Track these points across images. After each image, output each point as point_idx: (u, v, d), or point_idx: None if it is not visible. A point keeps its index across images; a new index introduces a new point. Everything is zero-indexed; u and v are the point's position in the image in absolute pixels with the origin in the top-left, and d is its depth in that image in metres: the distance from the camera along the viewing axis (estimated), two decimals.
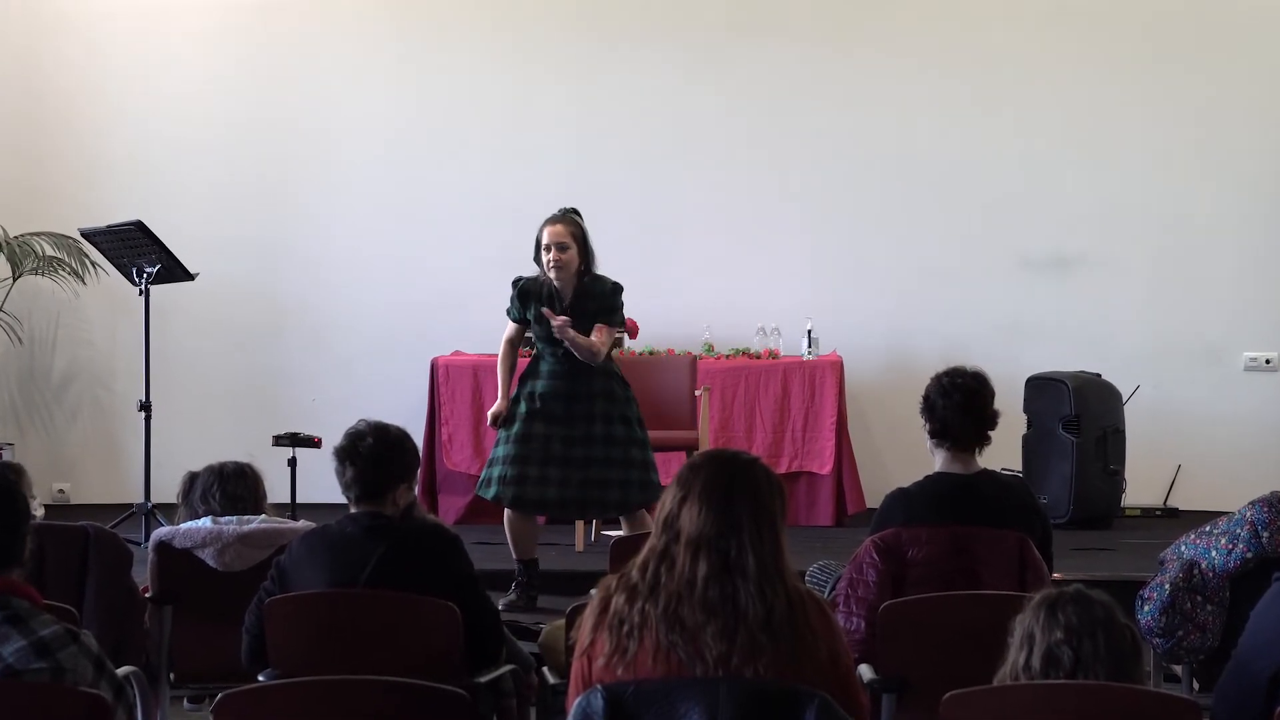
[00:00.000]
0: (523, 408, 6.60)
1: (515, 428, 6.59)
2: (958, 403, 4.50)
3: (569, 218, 6.60)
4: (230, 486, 4.90)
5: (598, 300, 6.57)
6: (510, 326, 6.75)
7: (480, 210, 9.11)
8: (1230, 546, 4.45)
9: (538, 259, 6.59)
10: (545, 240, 6.53)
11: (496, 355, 8.49)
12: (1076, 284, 9.07)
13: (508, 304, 6.69)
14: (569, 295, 6.57)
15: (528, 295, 6.61)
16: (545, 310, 6.50)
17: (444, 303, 9.00)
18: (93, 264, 8.62)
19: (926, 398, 4.57)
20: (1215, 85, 9.00)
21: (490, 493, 6.62)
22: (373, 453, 4.17)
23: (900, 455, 8.14)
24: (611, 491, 6.55)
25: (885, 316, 9.05)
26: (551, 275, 6.54)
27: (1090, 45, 9.04)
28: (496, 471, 6.59)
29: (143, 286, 7.63)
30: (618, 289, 6.63)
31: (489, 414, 6.78)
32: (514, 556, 6.68)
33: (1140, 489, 8.69)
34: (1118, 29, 9.06)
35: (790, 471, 8.30)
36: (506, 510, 6.66)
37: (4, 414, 9.12)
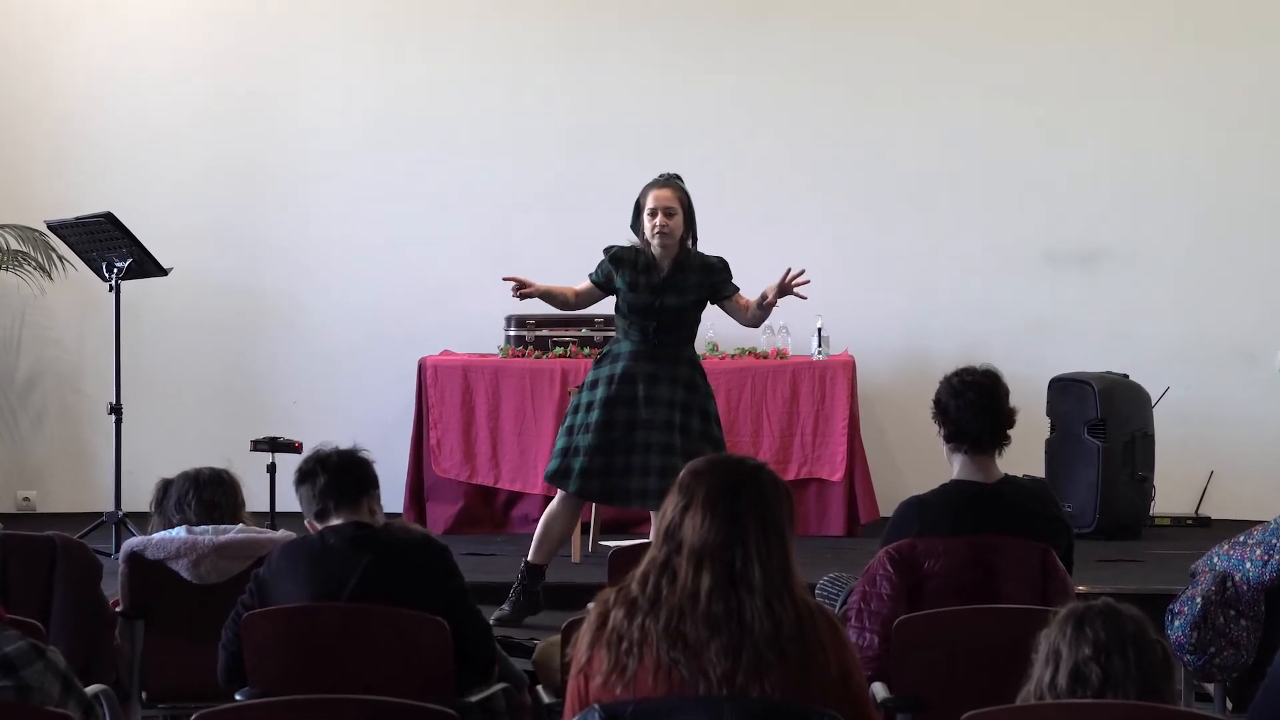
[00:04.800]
0: (600, 393, 6.53)
1: (595, 415, 6.50)
2: (971, 401, 4.51)
3: (675, 183, 6.55)
4: (206, 494, 4.90)
5: (702, 274, 6.54)
6: (585, 282, 6.66)
7: (470, 201, 9.11)
8: (1266, 558, 4.45)
9: (636, 226, 6.56)
10: (650, 204, 6.49)
11: (488, 355, 8.57)
12: (1104, 279, 9.07)
13: (592, 269, 6.61)
14: (666, 267, 6.53)
15: (620, 261, 6.54)
16: None
17: (432, 299, 9.00)
18: (60, 258, 8.62)
19: (938, 401, 4.58)
20: (1253, 68, 9.00)
21: (572, 485, 6.51)
22: (341, 459, 4.28)
23: (916, 461, 8.12)
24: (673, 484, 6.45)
25: (900, 314, 9.05)
26: (655, 243, 6.48)
27: (1120, 24, 9.03)
28: (579, 463, 6.49)
29: (113, 282, 7.63)
30: (726, 262, 6.62)
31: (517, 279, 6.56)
32: (529, 558, 6.60)
33: (1170, 497, 8.68)
34: (1150, 6, 9.06)
35: (799, 478, 8.29)
36: (554, 505, 6.61)
37: None
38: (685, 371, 6.58)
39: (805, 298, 6.63)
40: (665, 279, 6.52)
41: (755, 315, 6.66)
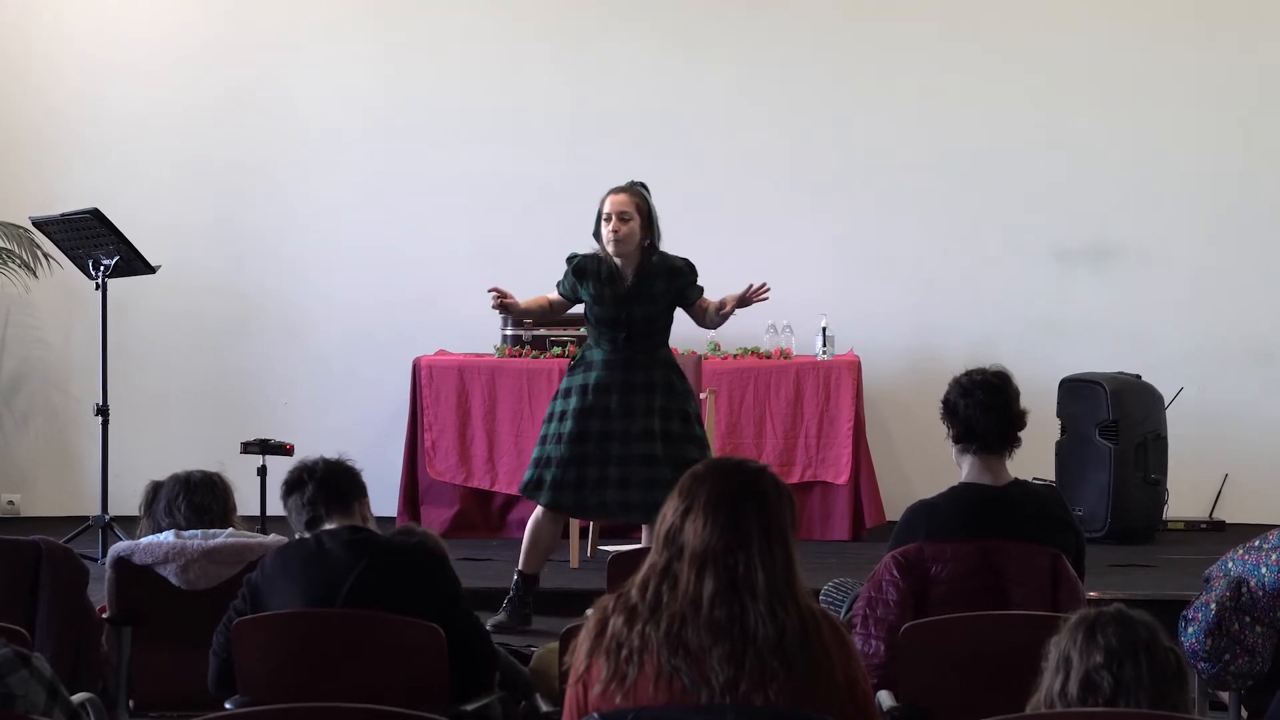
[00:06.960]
0: (574, 403, 6.52)
1: (569, 425, 6.50)
2: (980, 401, 4.52)
3: (634, 188, 6.55)
4: (197, 497, 4.90)
5: (668, 280, 6.53)
6: (555, 293, 6.68)
7: (467, 196, 9.11)
8: None
9: (598, 233, 6.55)
10: (606, 209, 6.49)
11: (484, 355, 8.58)
12: (1116, 277, 9.07)
13: (560, 278, 6.62)
14: (630, 274, 6.52)
15: (584, 272, 6.54)
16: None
17: (427, 297, 9.00)
18: (45, 255, 8.61)
19: (946, 401, 4.59)
20: (1269, 61, 9.00)
21: (544, 497, 6.52)
22: (328, 466, 4.32)
23: (923, 464, 8.14)
24: (662, 494, 6.44)
25: (907, 313, 9.05)
26: (610, 249, 6.49)
27: (1135, 18, 9.03)
28: (551, 475, 6.50)
29: (100, 280, 7.63)
30: (692, 264, 6.59)
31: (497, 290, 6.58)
32: (519, 567, 6.64)
33: (1184, 500, 8.68)
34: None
35: (803, 481, 8.29)
36: (538, 514, 6.61)
37: None
38: (661, 375, 6.56)
39: (767, 299, 6.57)
40: (631, 289, 6.51)
41: (713, 320, 6.65)
